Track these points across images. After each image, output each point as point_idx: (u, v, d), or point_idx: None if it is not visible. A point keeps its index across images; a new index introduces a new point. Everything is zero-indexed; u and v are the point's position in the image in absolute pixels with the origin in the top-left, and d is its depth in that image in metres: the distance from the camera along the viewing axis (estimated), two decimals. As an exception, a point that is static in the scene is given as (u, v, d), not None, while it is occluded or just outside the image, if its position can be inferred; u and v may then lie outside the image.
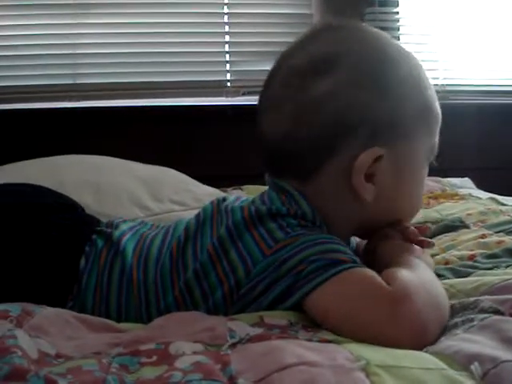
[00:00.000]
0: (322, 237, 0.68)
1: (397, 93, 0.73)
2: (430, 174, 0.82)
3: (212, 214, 0.76)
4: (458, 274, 0.79)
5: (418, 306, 0.59)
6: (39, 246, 0.74)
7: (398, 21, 2.17)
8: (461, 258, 0.85)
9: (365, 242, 0.83)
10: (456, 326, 0.59)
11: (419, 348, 0.55)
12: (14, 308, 0.60)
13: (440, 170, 0.91)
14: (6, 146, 1.81)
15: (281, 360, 0.48)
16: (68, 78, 2.02)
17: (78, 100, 1.99)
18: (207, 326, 0.60)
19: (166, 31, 2.05)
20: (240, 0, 2.13)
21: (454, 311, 0.63)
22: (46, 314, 0.62)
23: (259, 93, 0.78)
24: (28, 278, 0.72)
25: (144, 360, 0.51)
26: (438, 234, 1.03)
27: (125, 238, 0.76)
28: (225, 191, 1.45)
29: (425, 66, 0.78)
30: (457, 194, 1.40)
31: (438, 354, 0.52)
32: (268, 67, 0.78)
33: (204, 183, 1.42)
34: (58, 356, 0.53)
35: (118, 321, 0.68)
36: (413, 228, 0.78)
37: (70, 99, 1.98)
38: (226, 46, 2.11)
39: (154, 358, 0.52)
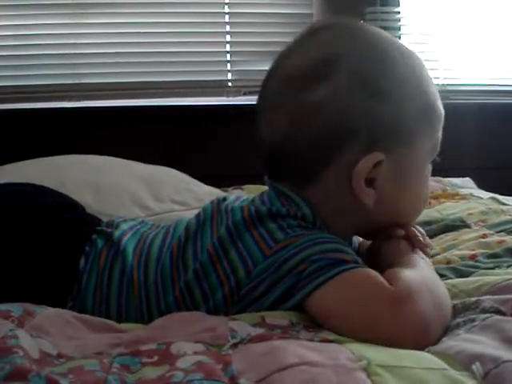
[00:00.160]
0: (322, 236, 0.68)
1: (399, 94, 0.72)
2: (430, 174, 0.81)
3: (212, 214, 0.76)
4: (459, 273, 0.79)
5: (420, 306, 0.58)
6: (39, 245, 0.74)
7: (399, 20, 2.17)
8: (462, 258, 0.85)
9: (367, 241, 0.83)
10: (458, 326, 0.59)
11: (421, 348, 0.55)
12: (16, 308, 0.60)
13: (440, 169, 0.90)
14: (6, 146, 1.81)
15: (282, 360, 0.48)
16: (68, 77, 2.01)
17: (78, 100, 1.98)
18: (208, 326, 0.60)
19: (167, 31, 2.05)
20: (241, 0, 2.13)
21: (457, 311, 0.63)
22: (46, 314, 0.62)
23: (258, 93, 0.78)
24: (28, 277, 0.72)
25: (145, 360, 0.51)
26: (439, 234, 1.03)
27: (125, 238, 0.76)
28: (225, 191, 1.45)
29: (425, 65, 0.78)
30: (458, 194, 1.40)
31: (440, 354, 0.51)
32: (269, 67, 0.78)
33: (205, 183, 1.42)
34: (59, 356, 0.53)
35: (119, 321, 0.68)
36: (414, 230, 0.77)
37: (70, 99, 1.98)
38: (227, 45, 2.11)
39: (156, 358, 0.52)
